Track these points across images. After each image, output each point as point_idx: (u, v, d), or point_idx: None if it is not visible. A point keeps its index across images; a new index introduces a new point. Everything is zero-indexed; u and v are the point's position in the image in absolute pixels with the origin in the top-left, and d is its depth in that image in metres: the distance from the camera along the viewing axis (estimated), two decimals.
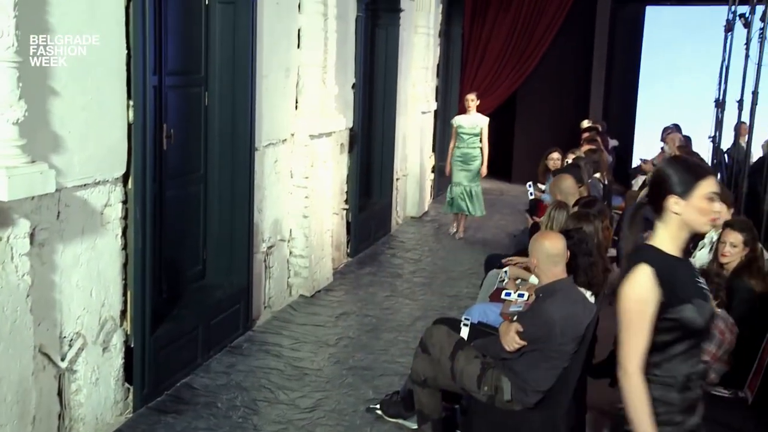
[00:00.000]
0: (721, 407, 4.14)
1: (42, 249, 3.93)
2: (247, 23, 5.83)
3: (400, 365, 5.68)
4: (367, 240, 9.07)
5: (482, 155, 9.58)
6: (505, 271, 5.47)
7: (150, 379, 4.81)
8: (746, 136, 8.18)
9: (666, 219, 2.68)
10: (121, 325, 4.61)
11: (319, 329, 6.41)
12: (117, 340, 4.58)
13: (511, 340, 4.02)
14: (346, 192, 8.42)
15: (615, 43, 14.29)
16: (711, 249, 5.76)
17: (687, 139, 11.14)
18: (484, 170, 9.69)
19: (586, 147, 9.36)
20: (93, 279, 4.34)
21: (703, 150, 10.62)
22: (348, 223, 8.47)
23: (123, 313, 4.62)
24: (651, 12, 14.24)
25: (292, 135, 6.93)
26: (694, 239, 6.28)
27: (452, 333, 4.42)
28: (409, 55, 10.42)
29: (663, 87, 14.02)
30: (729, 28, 10.03)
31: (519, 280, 5.30)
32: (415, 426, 4.59)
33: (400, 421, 4.82)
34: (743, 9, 8.95)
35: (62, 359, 4.15)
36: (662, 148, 11.64)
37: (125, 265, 4.60)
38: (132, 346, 4.68)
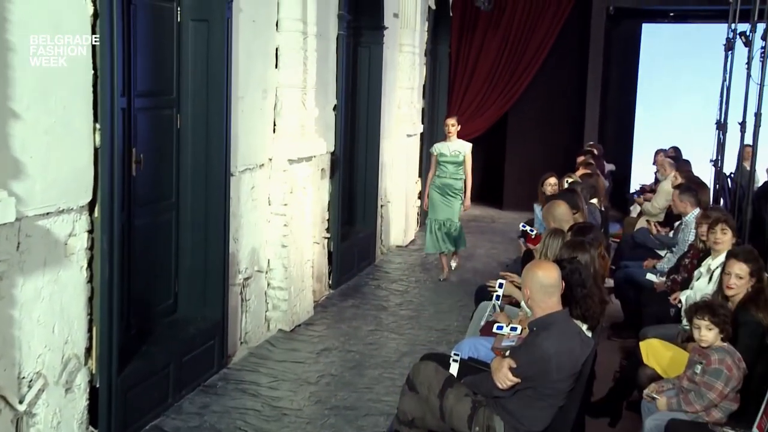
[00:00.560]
0: None
1: (0, 282, 3.89)
2: (222, 41, 5.84)
3: (385, 404, 5.65)
4: (350, 270, 9.04)
5: (465, 186, 9.15)
6: (501, 284, 5.44)
7: (117, 422, 4.75)
8: (750, 160, 8.25)
9: None
10: (86, 363, 4.56)
11: (299, 366, 6.37)
12: (81, 380, 4.53)
13: (504, 376, 4.01)
14: (328, 220, 8.41)
15: (610, 62, 14.45)
16: (710, 278, 5.79)
17: (687, 163, 11.23)
18: (468, 203, 9.28)
19: (581, 171, 9.42)
20: (56, 314, 4.29)
21: (705, 174, 10.70)
22: (329, 253, 8.46)
23: (88, 350, 4.57)
24: (648, 29, 14.42)
25: (270, 159, 6.93)
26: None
27: (441, 369, 4.41)
28: (393, 75, 10.48)
29: (661, 108, 14.18)
30: (729, 46, 10.15)
31: (517, 313, 5.27)
32: None
33: None
34: (743, 27, 9.06)
35: (20, 402, 4.09)
36: (655, 174, 11.73)
37: (91, 299, 4.56)
38: (97, 386, 4.62)
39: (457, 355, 4.71)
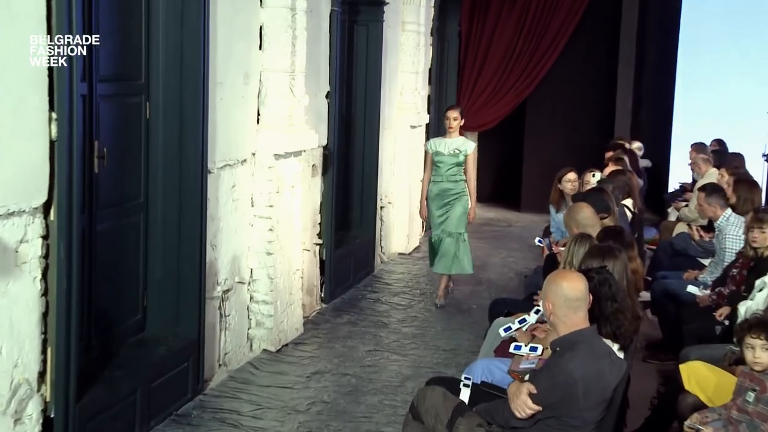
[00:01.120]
0: None
1: None
2: (198, 19, 5.84)
3: None
4: (346, 282, 9.06)
5: (469, 192, 8.74)
6: (523, 319, 5.29)
7: None
8: None
9: None
10: (39, 390, 4.54)
11: (287, 392, 6.37)
12: (33, 409, 4.51)
13: (523, 404, 4.00)
14: (320, 224, 8.43)
15: (645, 43, 14.41)
16: None
17: (738, 157, 11.09)
18: (473, 213, 8.84)
19: (611, 167, 9.40)
20: (4, 333, 4.27)
21: (756, 170, 10.67)
22: (322, 262, 8.47)
23: (41, 375, 4.56)
24: (689, 3, 14.35)
25: (253, 154, 6.94)
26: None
27: (450, 396, 4.41)
28: (395, 57, 10.49)
29: (705, 94, 14.13)
30: None
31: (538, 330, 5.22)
32: None
33: None
34: None
35: None
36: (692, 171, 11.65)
37: (45, 315, 4.54)
38: (52, 416, 4.60)
39: (469, 379, 4.71)
